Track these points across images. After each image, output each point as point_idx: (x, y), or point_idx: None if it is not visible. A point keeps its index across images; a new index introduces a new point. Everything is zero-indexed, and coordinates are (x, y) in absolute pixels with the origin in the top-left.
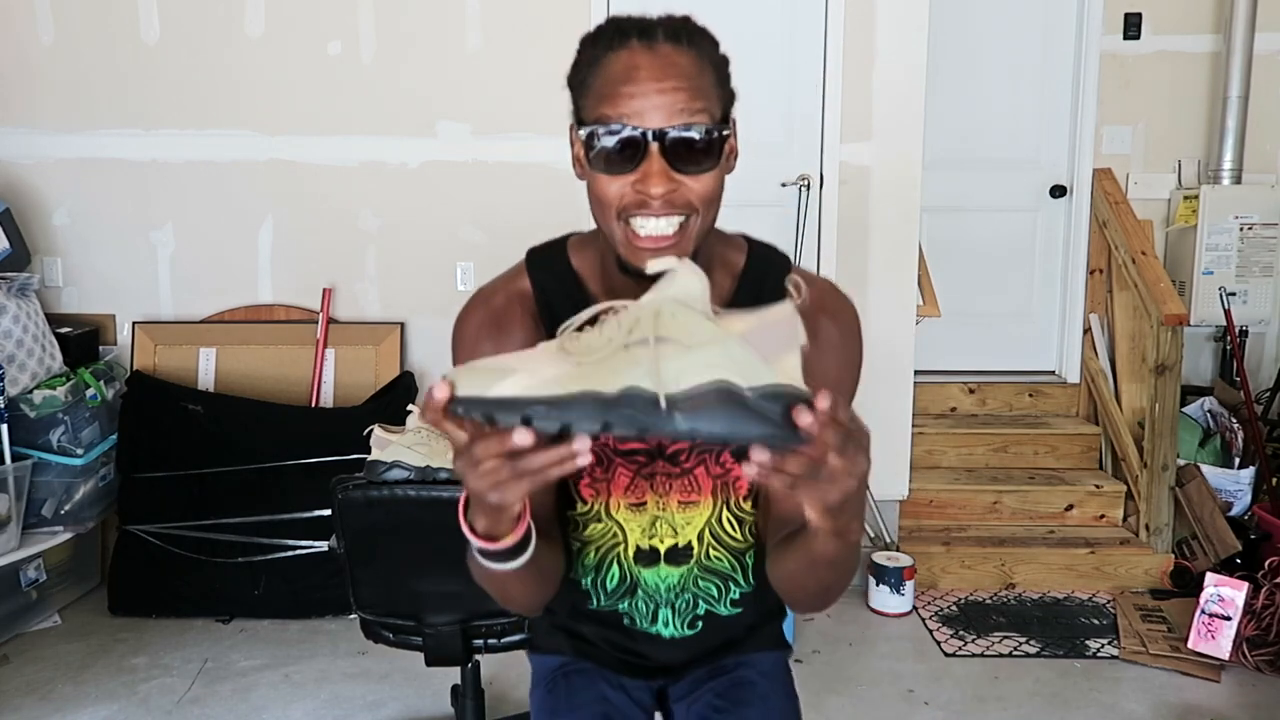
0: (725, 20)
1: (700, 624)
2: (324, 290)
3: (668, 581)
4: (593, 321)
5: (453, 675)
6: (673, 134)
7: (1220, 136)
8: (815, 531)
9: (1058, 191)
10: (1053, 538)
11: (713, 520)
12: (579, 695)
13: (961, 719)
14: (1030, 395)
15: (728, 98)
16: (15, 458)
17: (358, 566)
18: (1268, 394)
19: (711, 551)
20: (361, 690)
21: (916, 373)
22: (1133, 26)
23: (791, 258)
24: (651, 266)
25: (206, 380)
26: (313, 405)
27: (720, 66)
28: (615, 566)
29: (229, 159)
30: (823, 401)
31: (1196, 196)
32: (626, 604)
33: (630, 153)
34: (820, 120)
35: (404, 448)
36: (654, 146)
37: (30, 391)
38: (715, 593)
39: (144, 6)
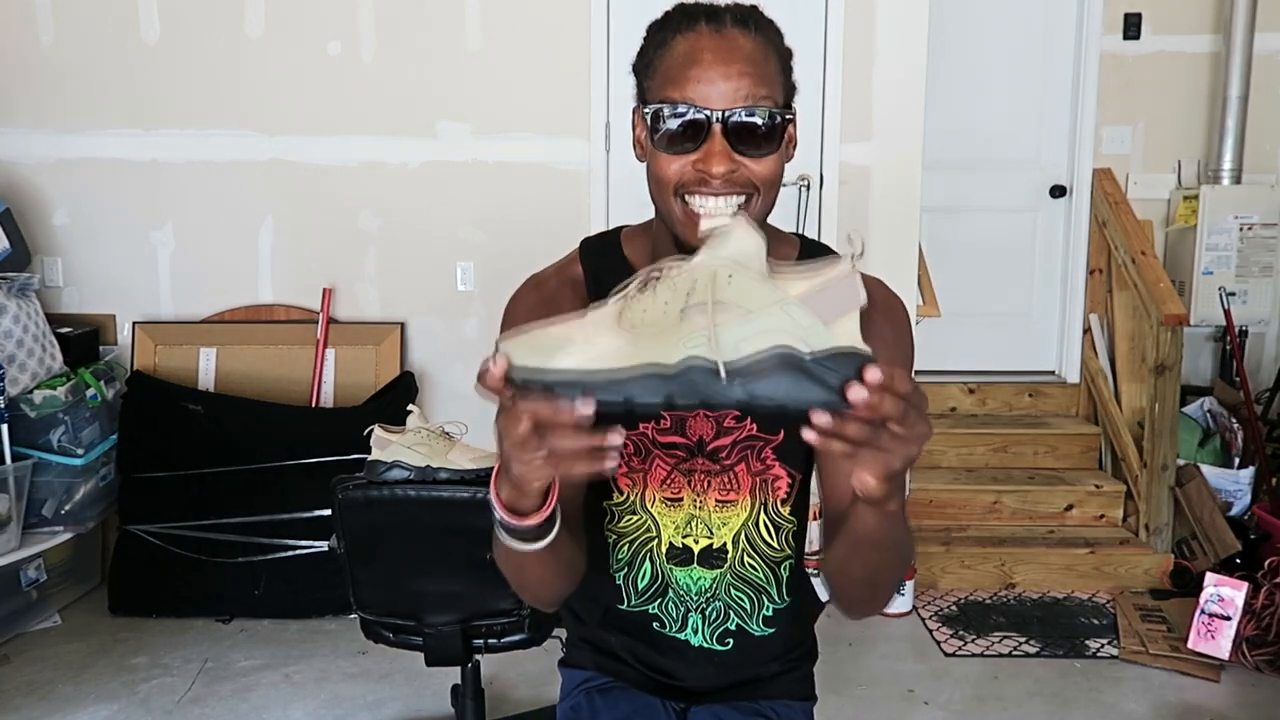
0: None
1: (730, 641)
2: (324, 290)
3: (700, 584)
4: (645, 285)
5: (453, 675)
6: (736, 116)
7: (1220, 136)
8: (858, 510)
9: (1058, 191)
10: (1052, 538)
11: (749, 524)
12: (603, 714)
13: (961, 719)
14: (1030, 395)
15: (790, 87)
16: (16, 458)
17: (358, 566)
18: (1267, 394)
19: (746, 558)
20: (362, 690)
21: (916, 372)
22: (1133, 26)
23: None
24: (705, 225)
25: (206, 380)
26: (313, 405)
27: (785, 56)
28: (648, 563)
29: (229, 159)
30: (878, 369)
31: (1196, 196)
32: (657, 605)
33: (693, 133)
34: (820, 120)
35: (404, 448)
36: (717, 128)
37: (30, 391)
38: (747, 606)
39: (144, 6)
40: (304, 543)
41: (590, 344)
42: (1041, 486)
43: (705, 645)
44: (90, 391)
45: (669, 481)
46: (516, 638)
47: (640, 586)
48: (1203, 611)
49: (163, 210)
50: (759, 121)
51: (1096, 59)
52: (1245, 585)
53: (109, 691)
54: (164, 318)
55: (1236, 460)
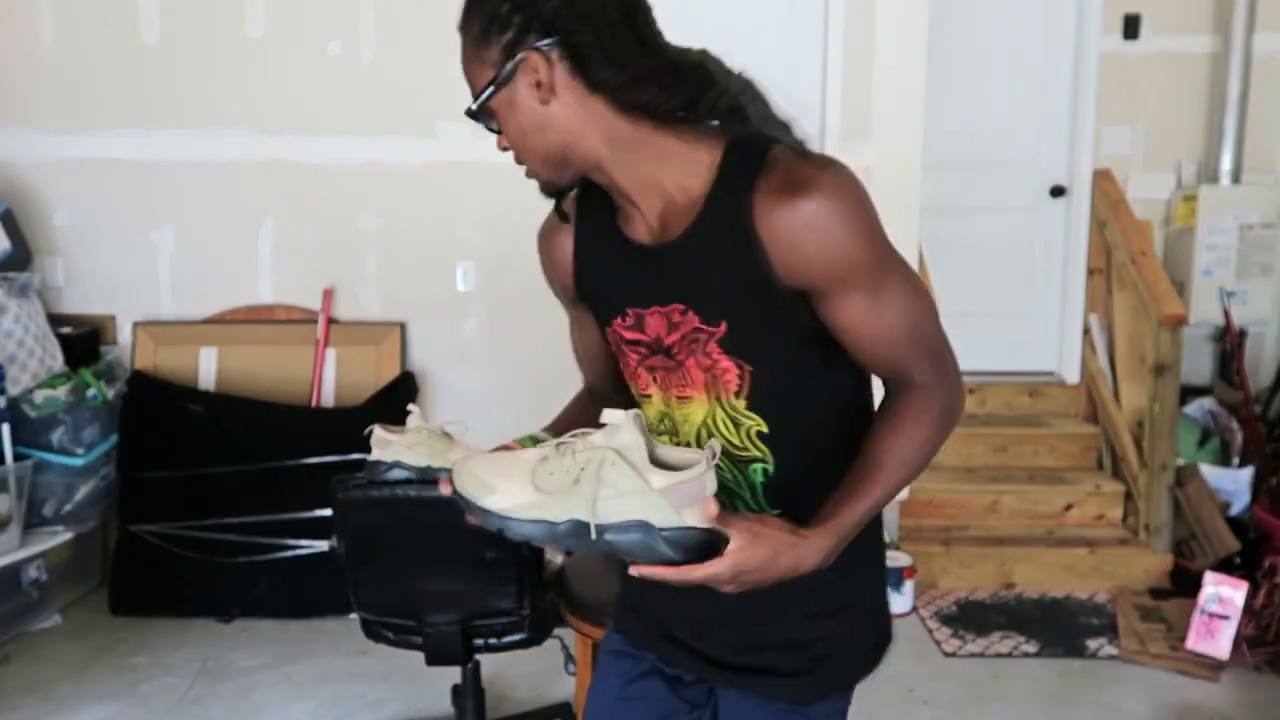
0: (725, 20)
1: None
2: (324, 290)
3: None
4: (560, 449)
5: (453, 675)
6: (473, 114)
7: (1219, 137)
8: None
9: (1057, 192)
10: (1052, 538)
11: (709, 420)
12: (635, 689)
13: (961, 719)
14: (1030, 395)
15: (503, 46)
16: (16, 458)
17: (358, 566)
18: (1267, 394)
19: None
20: (362, 690)
21: None
22: (1132, 27)
23: (777, 146)
24: (605, 417)
25: (207, 380)
26: (313, 405)
27: (494, 24)
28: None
29: (229, 159)
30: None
31: (1196, 197)
32: None
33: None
34: (820, 120)
35: (404, 448)
36: (483, 126)
37: (31, 391)
38: (733, 487)
39: (144, 6)
40: (304, 543)
41: (508, 494)
42: (1041, 486)
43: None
44: (91, 391)
45: (635, 376)
46: (516, 638)
47: None
48: (1202, 611)
49: (163, 210)
50: (481, 109)
51: (1096, 59)
52: (1245, 585)
53: (109, 691)
54: (164, 318)
55: (1236, 460)
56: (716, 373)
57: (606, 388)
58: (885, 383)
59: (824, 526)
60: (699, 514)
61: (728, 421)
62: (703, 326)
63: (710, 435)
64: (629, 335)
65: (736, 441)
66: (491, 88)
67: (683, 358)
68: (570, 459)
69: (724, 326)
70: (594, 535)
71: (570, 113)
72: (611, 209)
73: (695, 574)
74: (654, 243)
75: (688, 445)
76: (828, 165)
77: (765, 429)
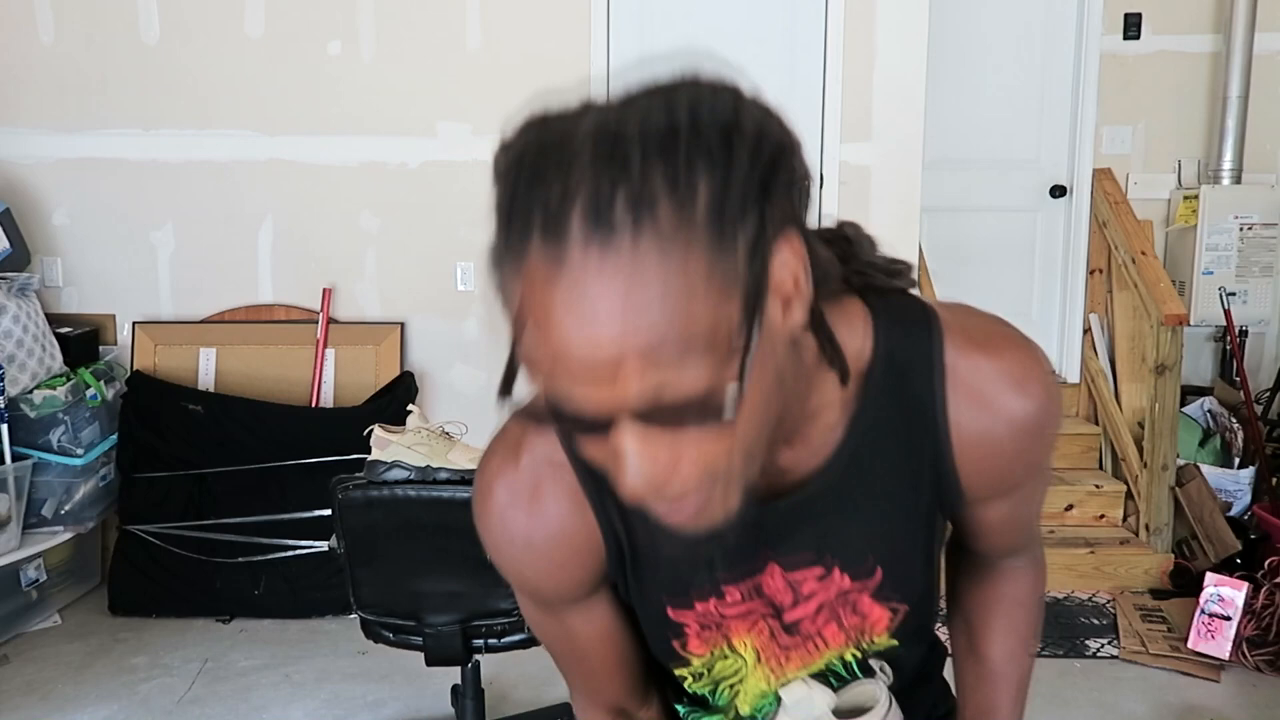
0: (725, 21)
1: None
2: (324, 290)
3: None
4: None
5: (453, 675)
6: (643, 414)
7: (1220, 136)
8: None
9: (1058, 191)
10: (1052, 538)
11: (831, 661)
12: None
13: None
14: None
15: (762, 275)
16: (15, 458)
17: (358, 566)
18: (1268, 394)
19: (834, 680)
20: (362, 690)
21: None
22: (1133, 26)
23: (931, 327)
24: (784, 693)
25: (206, 380)
26: (313, 405)
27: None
28: (747, 684)
29: (229, 159)
30: None
31: (1196, 196)
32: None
33: (589, 428)
34: (820, 120)
35: (404, 448)
36: (618, 425)
37: (30, 391)
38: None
39: (144, 6)
40: (304, 543)
41: None
42: None
43: None
44: (90, 391)
45: (752, 630)
46: (516, 638)
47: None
48: (1203, 611)
49: (162, 210)
50: (689, 394)
51: (1096, 59)
52: (1245, 585)
53: (109, 691)
54: (164, 318)
55: (1236, 460)
56: (865, 626)
57: (630, 702)
58: (979, 558)
59: None
60: None
61: (855, 653)
62: (854, 585)
63: (842, 663)
64: (734, 611)
65: (857, 672)
66: (753, 332)
67: (817, 629)
68: None
69: (879, 574)
70: None
71: (782, 389)
72: None
73: None
74: (770, 491)
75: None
76: (1025, 341)
77: (896, 642)
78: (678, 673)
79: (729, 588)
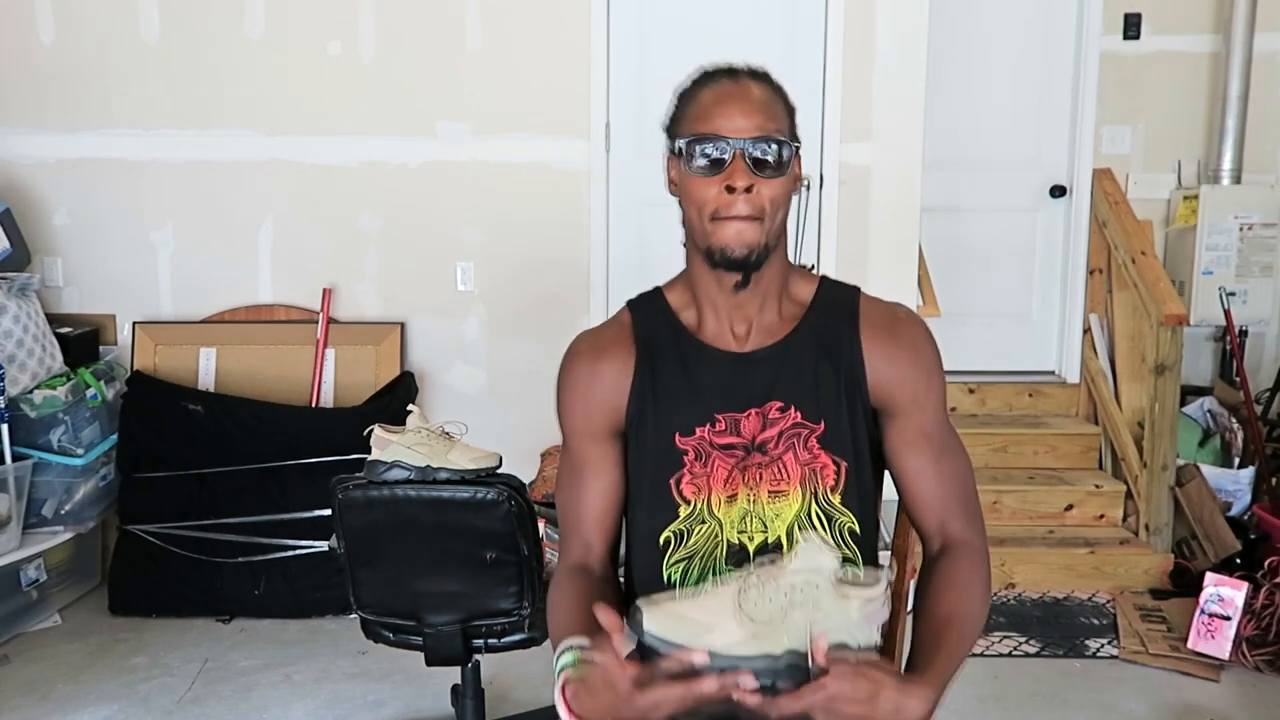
0: (725, 21)
1: None
2: (324, 290)
3: None
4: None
5: (453, 675)
6: (753, 142)
7: (1220, 136)
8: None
9: (1057, 191)
10: (1052, 538)
11: (801, 514)
12: None
13: (961, 719)
14: (1030, 395)
15: (794, 132)
16: (16, 458)
17: (358, 566)
18: (1267, 394)
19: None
20: (361, 690)
21: None
22: (1133, 26)
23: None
24: (802, 542)
25: (206, 380)
26: (313, 405)
27: (790, 109)
28: (711, 578)
29: (229, 159)
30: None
31: (1196, 196)
32: None
33: (719, 158)
34: (820, 120)
35: (404, 448)
36: (738, 152)
37: (30, 391)
38: None
39: (144, 6)
40: (304, 543)
41: (725, 630)
42: (1041, 486)
43: None
44: (90, 391)
45: (729, 480)
46: (516, 638)
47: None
48: (1203, 611)
49: (163, 210)
50: (770, 145)
51: (1096, 59)
52: (1245, 585)
53: (109, 691)
54: (164, 318)
55: (1236, 460)
56: (816, 467)
57: (594, 560)
58: (930, 543)
59: (926, 676)
60: (876, 631)
61: (821, 516)
62: (803, 423)
63: (802, 530)
64: (721, 440)
65: (827, 539)
66: (795, 144)
67: (779, 453)
68: (773, 586)
69: (823, 425)
70: (813, 668)
71: (789, 208)
72: (672, 325)
73: (799, 701)
74: (747, 350)
75: (778, 543)
76: (914, 313)
77: (857, 528)
78: (664, 536)
79: (719, 415)
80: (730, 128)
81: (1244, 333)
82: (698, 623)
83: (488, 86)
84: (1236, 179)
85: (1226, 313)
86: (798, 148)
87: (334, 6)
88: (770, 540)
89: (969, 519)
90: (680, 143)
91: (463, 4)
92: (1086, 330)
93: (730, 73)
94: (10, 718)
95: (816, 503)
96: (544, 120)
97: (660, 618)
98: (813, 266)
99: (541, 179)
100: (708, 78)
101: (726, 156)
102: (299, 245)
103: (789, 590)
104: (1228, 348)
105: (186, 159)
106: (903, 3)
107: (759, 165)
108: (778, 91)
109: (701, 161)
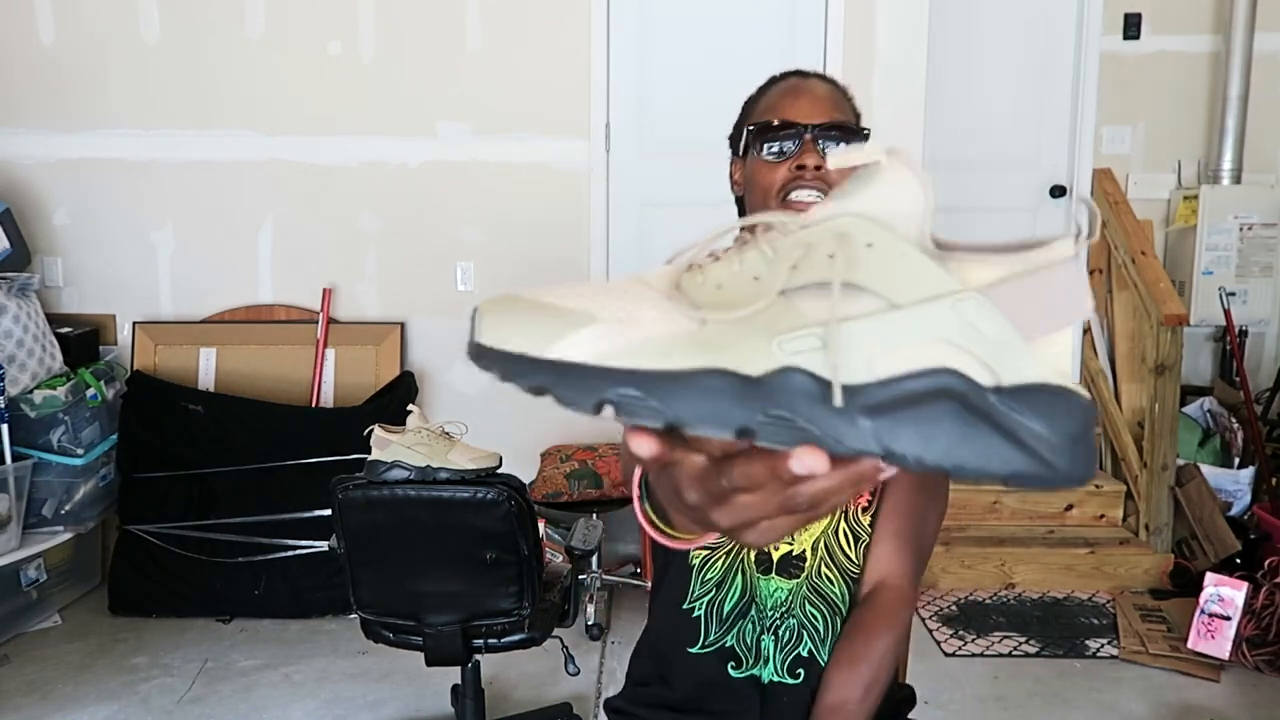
0: (725, 22)
1: (801, 673)
2: (324, 290)
3: (776, 597)
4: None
5: (453, 675)
6: (821, 128)
7: (1220, 136)
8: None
9: (1058, 191)
10: (1052, 538)
11: (829, 531)
12: None
13: (961, 719)
14: None
15: (861, 128)
16: (16, 458)
17: (358, 566)
18: (1268, 394)
19: (824, 568)
20: (361, 690)
21: None
22: (1133, 26)
23: None
24: (837, 159)
25: (206, 380)
26: (313, 405)
27: (856, 112)
28: (739, 577)
29: (229, 159)
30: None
31: (1196, 196)
32: (735, 634)
33: (789, 141)
34: None
35: (404, 448)
36: (808, 134)
37: (30, 391)
38: (820, 628)
39: (144, 6)
40: (304, 543)
41: (626, 326)
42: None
43: (776, 679)
44: (90, 391)
45: None
46: (516, 638)
47: (725, 611)
48: (1203, 611)
49: (163, 210)
50: (840, 128)
51: (1096, 59)
52: (1245, 585)
53: (109, 691)
54: (164, 318)
55: (1236, 460)
56: None
57: None
58: (865, 581)
59: None
60: (1066, 352)
61: (848, 535)
62: None
63: (829, 552)
64: None
65: (853, 557)
66: (865, 130)
67: None
68: (763, 252)
69: None
70: (839, 403)
71: None
72: None
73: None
74: None
75: (802, 556)
76: None
77: (868, 543)
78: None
79: None
80: (800, 115)
81: (1244, 333)
82: (561, 312)
83: (488, 86)
84: (1236, 179)
85: (1226, 313)
86: (867, 136)
87: (334, 6)
88: (795, 552)
89: (921, 566)
90: (749, 130)
91: (463, 4)
92: (1086, 330)
93: (798, 73)
94: (10, 718)
95: (846, 521)
96: (544, 120)
97: (496, 313)
98: None
99: (541, 179)
100: (775, 80)
101: (794, 142)
102: (299, 245)
103: (803, 253)
104: (1228, 348)
105: (186, 159)
106: (903, 2)
107: (829, 147)
108: (844, 91)
109: (773, 147)
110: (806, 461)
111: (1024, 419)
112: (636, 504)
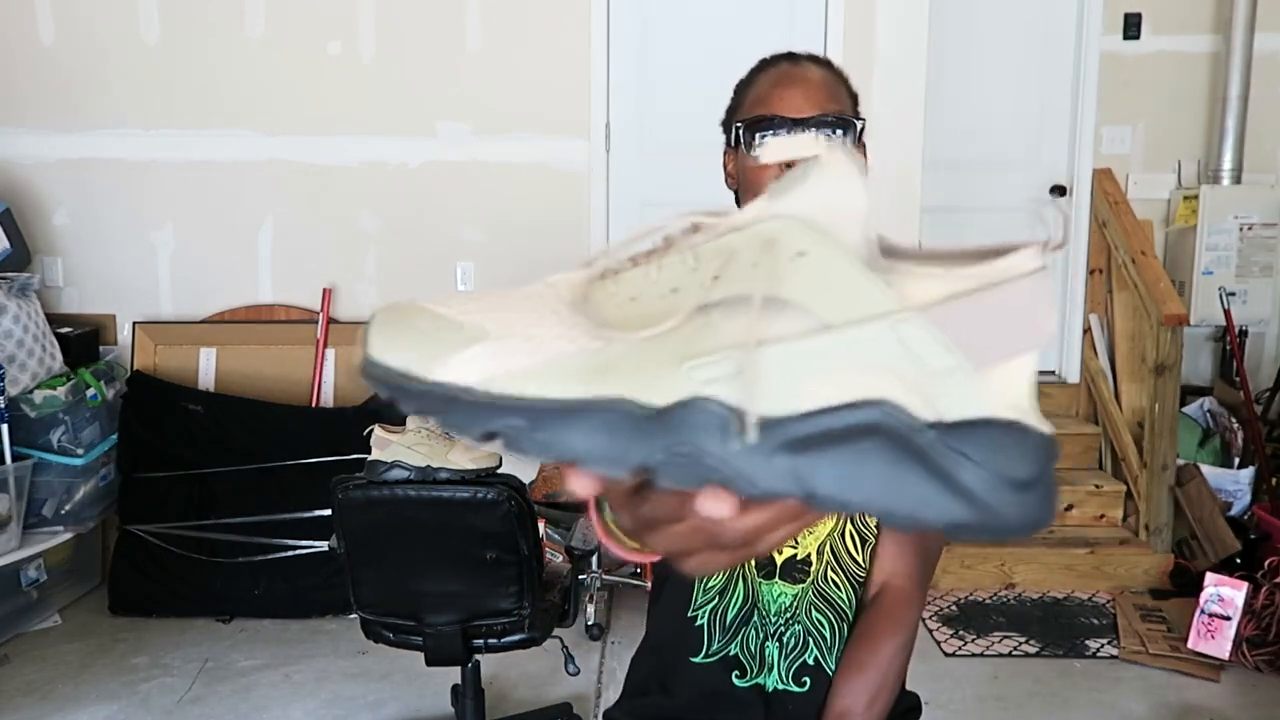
0: (725, 22)
1: (807, 681)
2: (324, 290)
3: (780, 603)
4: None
5: (453, 675)
6: (815, 122)
7: (1220, 136)
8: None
9: (1058, 191)
10: (1052, 538)
11: (835, 534)
12: None
13: (961, 719)
14: None
15: (857, 114)
16: (16, 458)
17: (358, 566)
18: (1267, 394)
19: (830, 572)
20: (361, 690)
21: None
22: (1132, 26)
23: None
24: (769, 153)
25: (206, 380)
26: (313, 405)
27: (853, 94)
28: (741, 583)
29: (229, 159)
30: None
31: (1196, 196)
32: (739, 642)
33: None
34: None
35: (404, 448)
36: (801, 130)
37: (31, 391)
38: (827, 634)
39: (144, 6)
40: (304, 543)
41: (522, 344)
42: None
43: (781, 687)
44: (90, 391)
45: None
46: (516, 638)
47: (729, 620)
48: (1203, 611)
49: (162, 210)
50: (834, 126)
51: (1096, 59)
52: (1245, 585)
53: (109, 691)
54: (164, 318)
55: (1236, 460)
56: None
57: None
58: (871, 584)
59: None
60: (1025, 381)
61: (854, 537)
62: None
63: (835, 556)
64: None
65: (860, 559)
66: (860, 122)
67: None
68: (682, 259)
69: None
70: (750, 438)
71: None
72: None
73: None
74: None
75: (807, 560)
76: None
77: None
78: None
79: None
80: (791, 108)
81: (1244, 333)
82: (448, 328)
83: (488, 86)
84: (1236, 179)
85: (1226, 313)
86: (862, 128)
87: (334, 6)
88: (799, 556)
89: (929, 577)
90: (738, 126)
91: (463, 4)
92: (1086, 330)
93: (789, 57)
94: (10, 718)
95: (852, 523)
96: (544, 120)
97: (390, 326)
98: None
99: (541, 179)
100: (766, 64)
101: (790, 134)
102: (299, 245)
103: (725, 261)
104: (1228, 348)
105: (186, 159)
106: (903, 2)
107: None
108: (839, 75)
109: (761, 143)
110: (709, 506)
111: (964, 460)
112: (593, 511)
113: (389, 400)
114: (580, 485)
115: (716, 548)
